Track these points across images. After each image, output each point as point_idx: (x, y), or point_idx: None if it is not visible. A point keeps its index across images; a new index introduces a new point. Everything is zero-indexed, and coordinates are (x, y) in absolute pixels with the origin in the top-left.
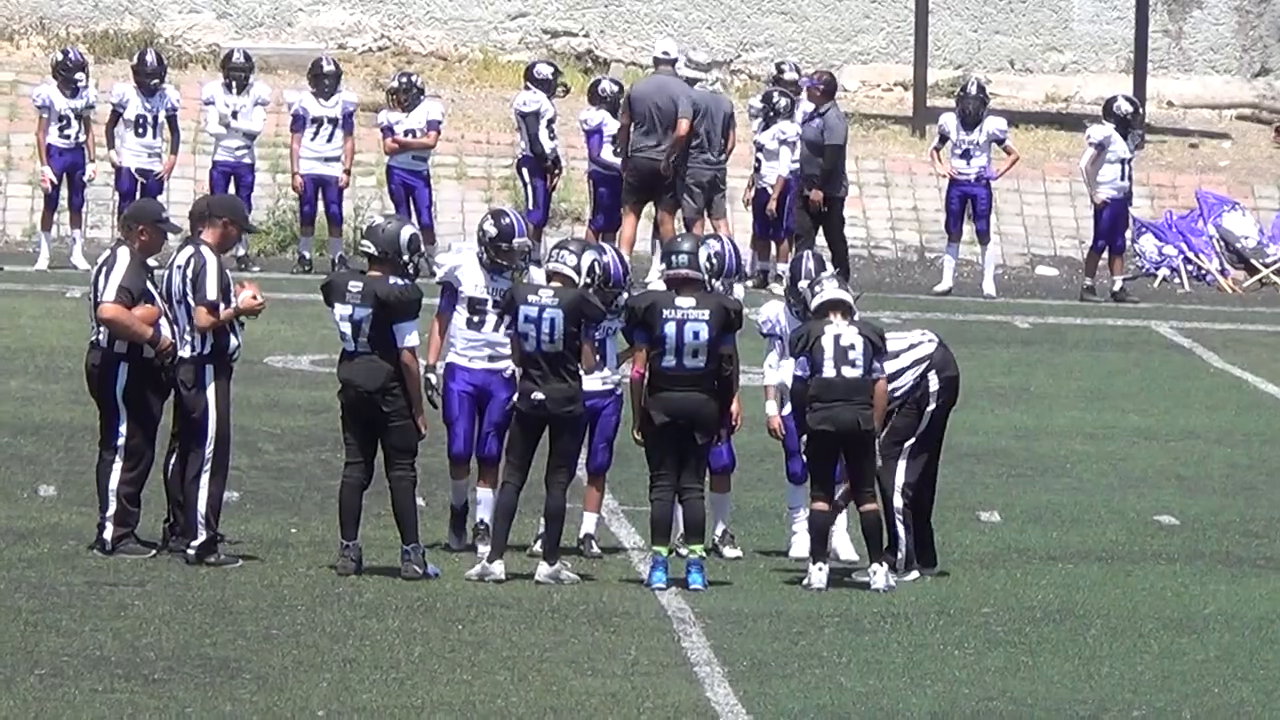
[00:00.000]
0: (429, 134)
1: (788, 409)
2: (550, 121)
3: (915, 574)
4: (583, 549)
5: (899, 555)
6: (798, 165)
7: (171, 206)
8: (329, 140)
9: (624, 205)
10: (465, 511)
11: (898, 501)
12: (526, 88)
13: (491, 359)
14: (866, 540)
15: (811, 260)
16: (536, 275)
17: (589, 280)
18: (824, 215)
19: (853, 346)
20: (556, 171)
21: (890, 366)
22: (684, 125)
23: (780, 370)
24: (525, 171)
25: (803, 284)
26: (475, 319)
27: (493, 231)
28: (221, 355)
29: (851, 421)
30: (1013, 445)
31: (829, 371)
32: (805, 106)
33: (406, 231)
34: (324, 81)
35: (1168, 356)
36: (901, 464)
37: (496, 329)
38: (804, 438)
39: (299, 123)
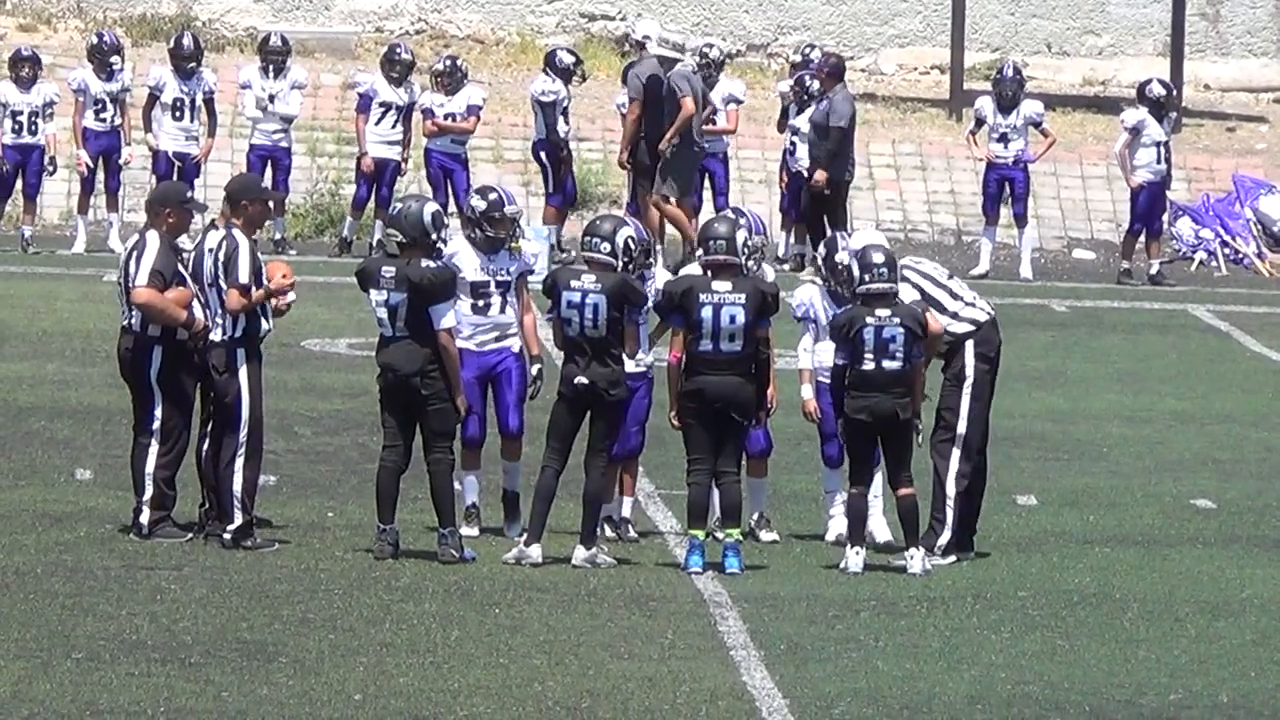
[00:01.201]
0: (469, 119)
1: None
2: (565, 109)
3: (953, 558)
4: (620, 533)
5: (941, 539)
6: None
7: (209, 190)
8: (394, 126)
9: (641, 191)
10: (477, 511)
11: (951, 489)
12: (545, 73)
13: (499, 339)
14: (903, 524)
15: (840, 239)
16: (528, 248)
17: (626, 260)
18: (827, 199)
19: (894, 339)
20: (565, 155)
21: (948, 304)
22: (689, 104)
23: (816, 353)
24: (543, 155)
25: (840, 256)
26: (480, 303)
27: (482, 205)
28: (253, 339)
29: (890, 411)
30: (1049, 429)
31: (869, 364)
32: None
33: (429, 210)
34: (398, 68)
35: (1204, 340)
36: (955, 451)
37: (502, 310)
38: (840, 422)
39: (366, 104)
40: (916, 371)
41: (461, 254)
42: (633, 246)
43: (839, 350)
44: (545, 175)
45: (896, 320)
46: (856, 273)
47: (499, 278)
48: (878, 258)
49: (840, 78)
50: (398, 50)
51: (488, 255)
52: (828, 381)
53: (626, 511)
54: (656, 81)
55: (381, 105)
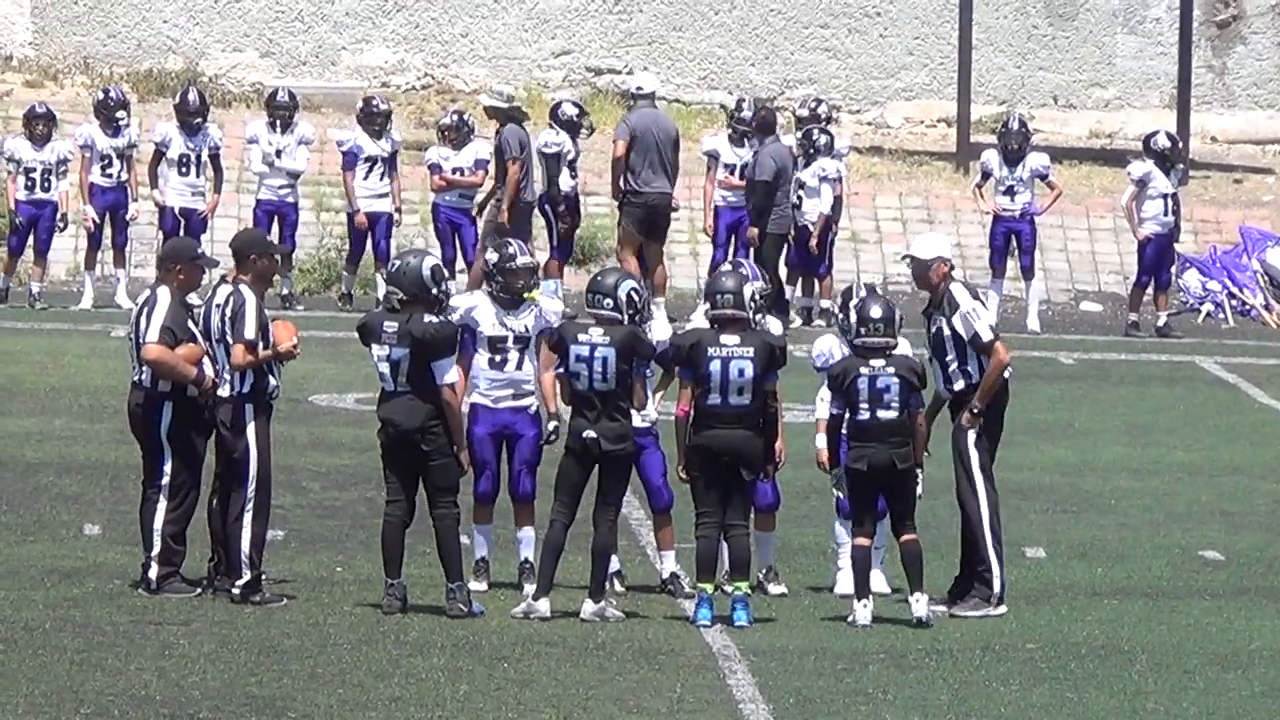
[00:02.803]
0: (476, 173)
1: None
2: (572, 162)
3: (1003, 609)
4: (671, 589)
5: (995, 588)
6: (834, 200)
7: (215, 246)
8: (381, 178)
9: (624, 243)
10: (486, 565)
11: (988, 532)
12: (550, 126)
13: (516, 397)
14: (907, 571)
15: (864, 289)
16: (548, 305)
17: (632, 312)
18: (757, 251)
19: (888, 389)
20: (564, 210)
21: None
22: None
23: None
24: (546, 208)
25: (853, 303)
26: (497, 358)
27: (494, 257)
28: (261, 395)
29: (887, 462)
30: (1057, 481)
31: (864, 414)
32: (836, 143)
33: (428, 265)
34: (377, 120)
35: (1212, 392)
36: (981, 488)
37: (519, 366)
38: (834, 472)
39: (351, 160)
40: (914, 421)
41: (480, 308)
42: (636, 299)
43: (834, 400)
44: (548, 229)
45: (891, 370)
46: (854, 323)
47: (517, 333)
48: (875, 312)
49: (770, 130)
50: (374, 103)
51: (506, 310)
52: (844, 432)
53: (672, 566)
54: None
55: (367, 160)
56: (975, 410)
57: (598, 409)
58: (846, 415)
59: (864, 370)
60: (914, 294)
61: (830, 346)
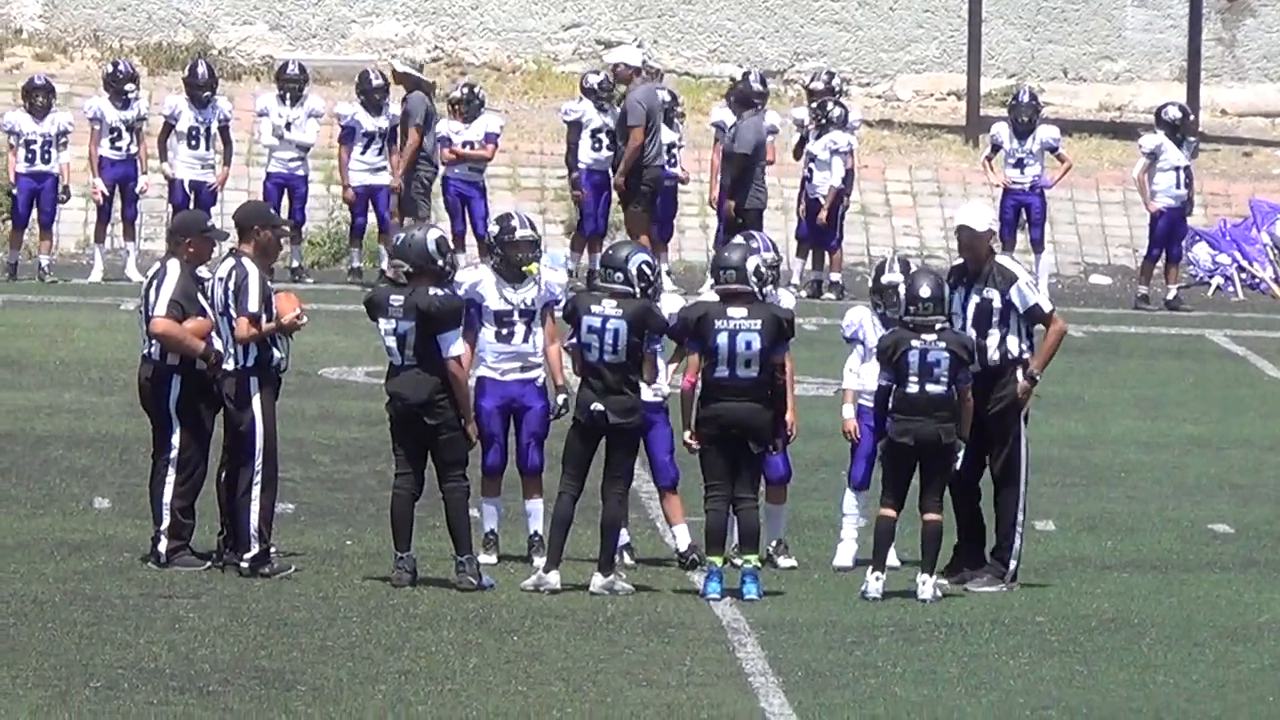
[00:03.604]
0: (487, 146)
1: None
2: (596, 132)
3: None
4: (695, 559)
5: (1012, 566)
6: (845, 173)
7: (225, 219)
8: (379, 153)
9: (637, 228)
10: (495, 538)
11: (1021, 516)
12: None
13: (523, 369)
14: (923, 549)
15: (898, 263)
16: (552, 277)
17: (644, 285)
18: (738, 226)
19: (938, 364)
20: (577, 178)
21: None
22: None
23: (860, 375)
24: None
25: (887, 278)
26: (504, 331)
27: (495, 229)
28: (265, 368)
29: (933, 436)
30: (1067, 454)
31: (912, 387)
32: (853, 116)
33: (432, 237)
34: (375, 95)
35: (1222, 365)
36: (1022, 476)
37: (526, 339)
38: (882, 444)
39: (349, 135)
40: (963, 396)
41: (485, 282)
42: (648, 272)
43: (883, 372)
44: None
45: (942, 345)
46: (902, 299)
47: (522, 307)
48: (924, 291)
49: (749, 104)
50: (369, 78)
51: (511, 284)
52: (868, 404)
53: (686, 540)
54: (655, 106)
55: (365, 135)
56: (1035, 378)
57: (607, 381)
58: (894, 387)
59: (915, 344)
60: (923, 269)
61: (860, 318)
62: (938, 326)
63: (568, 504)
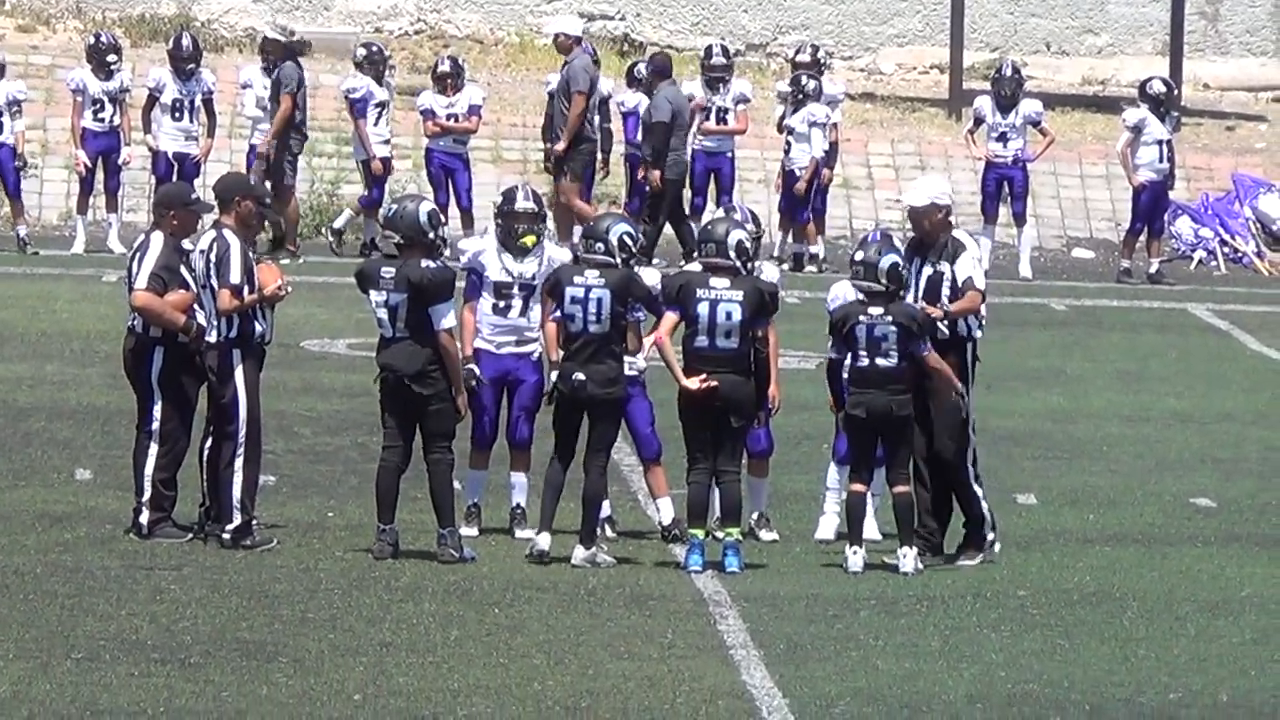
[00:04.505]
0: (470, 118)
1: None
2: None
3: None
4: (678, 533)
5: (990, 536)
6: (829, 147)
7: (208, 191)
8: (386, 124)
9: (574, 191)
10: (478, 511)
11: (978, 485)
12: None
13: (519, 343)
14: (898, 522)
15: (878, 235)
16: (553, 252)
17: (625, 256)
18: (659, 196)
19: (885, 338)
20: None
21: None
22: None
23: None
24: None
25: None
26: (501, 304)
27: (498, 200)
28: (248, 340)
29: (885, 408)
30: (1049, 428)
31: (863, 360)
32: (827, 89)
33: (424, 210)
34: (381, 67)
35: (1204, 339)
36: (972, 444)
37: (523, 314)
38: (841, 417)
39: (363, 107)
40: (927, 363)
41: (488, 252)
42: (629, 242)
43: (833, 345)
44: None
45: (889, 319)
46: (851, 266)
47: (523, 280)
48: (862, 255)
49: (666, 75)
50: (374, 48)
51: (513, 256)
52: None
53: (668, 516)
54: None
55: (377, 106)
56: (947, 313)
57: (589, 352)
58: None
59: (862, 318)
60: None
61: (845, 291)
62: (891, 299)
63: (558, 470)
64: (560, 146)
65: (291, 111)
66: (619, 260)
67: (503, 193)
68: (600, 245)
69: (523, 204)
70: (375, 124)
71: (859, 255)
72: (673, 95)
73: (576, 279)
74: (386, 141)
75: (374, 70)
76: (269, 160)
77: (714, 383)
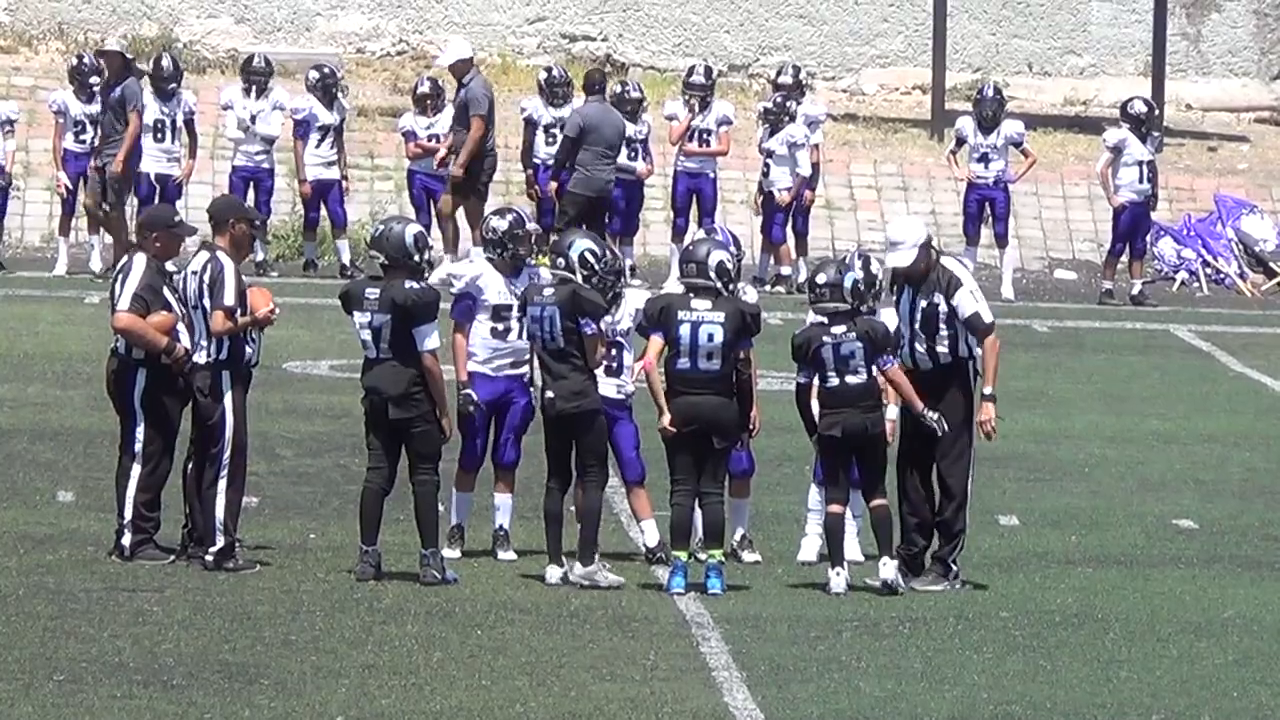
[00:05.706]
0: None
1: None
2: (549, 127)
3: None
4: (662, 555)
5: (954, 569)
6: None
7: (191, 212)
8: (331, 146)
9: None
10: (461, 532)
11: (966, 505)
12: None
13: (514, 365)
14: (876, 535)
15: (860, 258)
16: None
17: (586, 273)
18: (563, 211)
19: (852, 355)
20: (531, 175)
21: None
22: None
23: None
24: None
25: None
26: (500, 326)
27: (504, 225)
28: (237, 361)
29: (860, 426)
30: (1031, 449)
31: (833, 380)
32: (809, 110)
33: (410, 232)
34: (332, 89)
35: (1186, 360)
36: (971, 465)
37: (521, 335)
38: (814, 440)
39: (305, 130)
40: (890, 377)
41: (486, 275)
42: (590, 259)
43: (800, 370)
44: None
45: (853, 335)
46: (864, 293)
47: (522, 301)
48: (820, 278)
49: (593, 90)
50: (326, 70)
51: (511, 278)
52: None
53: (653, 539)
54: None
55: (320, 129)
56: (992, 396)
57: (553, 369)
58: (816, 383)
59: (826, 339)
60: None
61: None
62: (853, 317)
63: (556, 499)
64: (456, 171)
65: (140, 128)
66: (578, 276)
67: (505, 218)
68: (561, 260)
69: (531, 226)
70: (317, 146)
71: (820, 279)
72: (592, 112)
73: (536, 298)
74: (332, 164)
75: (322, 93)
76: (118, 177)
77: (671, 427)
